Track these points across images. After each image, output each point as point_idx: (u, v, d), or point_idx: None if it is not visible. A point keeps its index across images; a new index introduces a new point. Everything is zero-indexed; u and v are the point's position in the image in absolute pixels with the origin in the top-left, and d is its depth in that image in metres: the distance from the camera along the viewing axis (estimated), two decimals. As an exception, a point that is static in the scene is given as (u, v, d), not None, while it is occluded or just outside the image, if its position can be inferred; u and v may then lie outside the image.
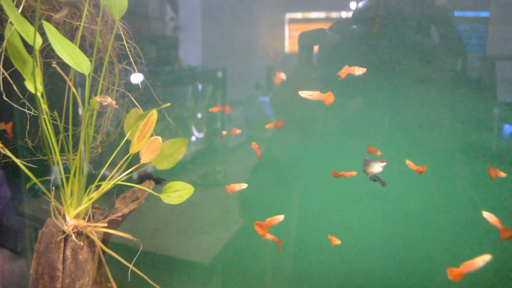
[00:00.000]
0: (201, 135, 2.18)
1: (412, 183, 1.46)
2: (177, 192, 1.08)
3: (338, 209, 1.63)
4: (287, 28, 1.76)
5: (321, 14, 1.66)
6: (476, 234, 1.41)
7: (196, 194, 2.04)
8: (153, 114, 0.98)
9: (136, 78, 1.20)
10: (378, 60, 1.47)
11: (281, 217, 1.03)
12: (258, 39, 1.87)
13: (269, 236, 1.04)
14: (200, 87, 2.16)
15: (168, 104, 1.08)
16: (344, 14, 1.56)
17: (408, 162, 1.10)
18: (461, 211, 1.48)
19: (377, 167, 0.99)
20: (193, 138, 2.17)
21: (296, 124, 1.66)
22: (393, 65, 1.47)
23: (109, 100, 0.92)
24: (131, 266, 1.02)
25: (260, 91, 1.88)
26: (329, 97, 1.02)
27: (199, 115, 2.15)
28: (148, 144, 1.03)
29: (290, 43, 1.75)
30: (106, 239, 1.09)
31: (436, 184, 1.47)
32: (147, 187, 1.10)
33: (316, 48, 1.56)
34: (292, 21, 1.76)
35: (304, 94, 1.04)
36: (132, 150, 1.00)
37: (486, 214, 0.91)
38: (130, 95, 1.09)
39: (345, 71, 1.04)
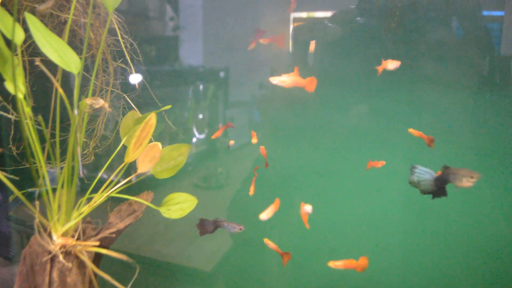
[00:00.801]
0: (202, 136, 2.08)
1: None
2: (179, 205, 0.94)
3: (338, 213, 1.52)
4: (292, 27, 1.64)
5: (327, 14, 1.52)
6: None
7: (198, 197, 1.94)
8: (152, 118, 0.84)
9: (134, 78, 1.08)
10: (388, 57, 1.33)
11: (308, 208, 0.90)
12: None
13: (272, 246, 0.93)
14: (201, 87, 2.05)
15: (169, 107, 0.94)
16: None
17: (411, 130, 0.97)
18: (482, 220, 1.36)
19: (466, 182, 0.83)
20: (194, 140, 2.07)
21: (290, 128, 1.53)
22: (406, 64, 1.33)
23: (101, 102, 0.78)
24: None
25: (264, 91, 1.77)
26: (310, 83, 0.85)
27: (200, 116, 2.05)
28: (146, 152, 0.90)
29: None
30: (98, 256, 0.95)
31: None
32: (144, 199, 0.97)
33: (313, 44, 1.42)
34: (297, 20, 1.63)
35: (277, 80, 0.86)
36: (128, 159, 0.86)
37: None
38: (126, 96, 0.95)
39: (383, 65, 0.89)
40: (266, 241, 0.97)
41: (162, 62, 1.91)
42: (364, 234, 1.49)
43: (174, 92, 2.03)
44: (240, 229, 0.98)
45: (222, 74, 2.02)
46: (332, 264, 0.92)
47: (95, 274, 0.87)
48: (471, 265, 1.39)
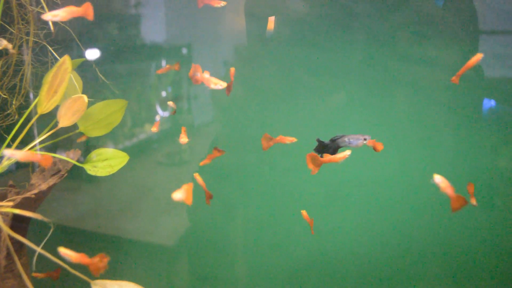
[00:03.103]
0: (166, 114, 1.97)
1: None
2: (107, 162, 0.82)
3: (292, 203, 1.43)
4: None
5: None
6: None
7: (162, 174, 1.82)
8: (65, 61, 0.71)
9: (91, 54, 0.95)
10: (363, 32, 1.20)
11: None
12: (226, 15, 1.64)
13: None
14: (164, 64, 1.93)
15: (83, 60, 0.82)
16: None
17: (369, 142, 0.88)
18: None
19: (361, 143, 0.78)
20: (157, 118, 1.96)
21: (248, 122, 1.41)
22: (385, 44, 1.21)
23: (4, 43, 0.65)
24: (38, 249, 0.76)
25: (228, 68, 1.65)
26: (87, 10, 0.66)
27: (164, 93, 1.93)
28: (70, 104, 0.78)
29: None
30: (22, 221, 0.82)
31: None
32: (70, 158, 0.84)
33: (271, 20, 1.22)
34: None
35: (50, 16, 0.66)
36: (41, 109, 0.74)
37: (437, 178, 0.68)
38: (49, 47, 0.82)
39: None
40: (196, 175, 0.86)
41: (124, 39, 1.79)
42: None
43: (136, 68, 1.91)
44: (365, 139, 0.84)
45: (184, 50, 1.91)
46: None
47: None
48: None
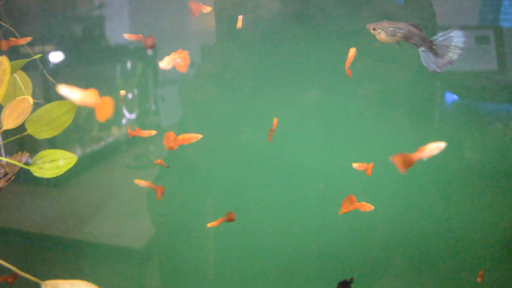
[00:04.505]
0: (132, 116, 1.96)
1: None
2: (54, 163, 0.82)
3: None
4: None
5: None
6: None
7: (130, 177, 1.82)
8: (3, 62, 0.72)
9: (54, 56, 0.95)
10: (337, 34, 1.23)
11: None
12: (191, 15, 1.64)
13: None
14: (129, 65, 1.93)
15: (39, 56, 0.82)
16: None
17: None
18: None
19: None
20: (124, 121, 1.96)
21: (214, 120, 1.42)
22: (351, 41, 1.24)
23: None
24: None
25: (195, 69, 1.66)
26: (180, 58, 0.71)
27: (130, 95, 1.93)
28: (14, 106, 0.78)
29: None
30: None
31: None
32: (18, 160, 0.85)
33: (240, 19, 1.24)
34: None
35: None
36: (-20, 111, 0.74)
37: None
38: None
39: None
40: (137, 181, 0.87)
41: (88, 40, 1.78)
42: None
43: (101, 70, 1.91)
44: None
45: (150, 51, 1.91)
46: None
47: None
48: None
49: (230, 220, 0.91)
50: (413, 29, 0.79)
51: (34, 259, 1.73)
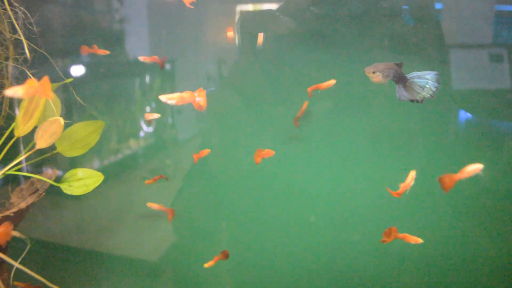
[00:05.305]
0: (150, 129, 2.02)
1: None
2: (82, 181, 0.88)
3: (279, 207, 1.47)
4: (238, 17, 1.57)
5: (273, 6, 1.45)
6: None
7: (146, 190, 1.87)
8: (40, 88, 0.77)
9: (76, 70, 1.01)
10: (346, 51, 1.27)
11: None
12: (208, 30, 1.70)
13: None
14: (148, 79, 1.99)
15: (70, 80, 0.88)
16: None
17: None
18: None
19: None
20: (141, 134, 2.01)
21: (239, 126, 1.47)
22: (363, 56, 1.28)
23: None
24: (16, 264, 0.81)
25: (212, 84, 1.71)
26: (199, 96, 0.77)
27: (148, 109, 1.98)
28: (46, 127, 0.83)
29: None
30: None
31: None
32: (48, 177, 0.90)
33: (261, 36, 1.33)
34: (244, 11, 1.57)
35: (165, 98, 0.78)
36: (18, 133, 0.79)
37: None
38: (27, 70, 0.88)
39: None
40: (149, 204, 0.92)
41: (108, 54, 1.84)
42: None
43: (120, 84, 1.96)
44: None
45: (168, 66, 1.97)
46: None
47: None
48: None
49: (225, 258, 0.95)
50: (399, 69, 0.85)
51: (52, 268, 1.78)
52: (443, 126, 1.40)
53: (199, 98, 0.72)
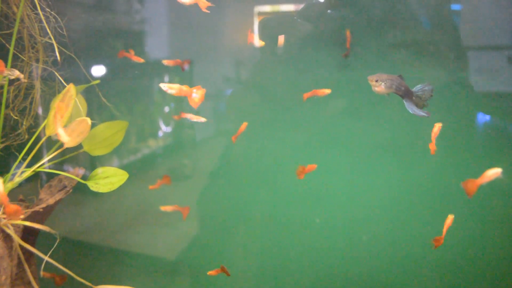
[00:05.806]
0: (168, 129, 2.05)
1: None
2: (107, 179, 0.91)
3: (305, 208, 1.49)
4: (256, 21, 1.60)
5: (291, 7, 1.48)
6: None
7: (164, 189, 1.90)
8: (70, 89, 0.81)
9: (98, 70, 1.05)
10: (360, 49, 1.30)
11: None
12: (226, 32, 1.73)
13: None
14: (166, 80, 2.02)
15: (97, 81, 0.92)
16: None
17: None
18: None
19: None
20: (160, 133, 2.05)
21: (259, 127, 1.50)
22: (378, 60, 1.30)
23: (16, 73, 0.75)
24: (46, 258, 0.85)
25: (230, 84, 1.74)
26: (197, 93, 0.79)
27: (166, 109, 2.02)
28: (74, 126, 0.87)
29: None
30: (32, 233, 0.92)
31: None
32: (76, 175, 0.94)
33: (281, 38, 1.37)
34: (262, 14, 1.60)
35: (165, 86, 0.81)
36: (49, 131, 0.83)
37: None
38: (56, 72, 0.92)
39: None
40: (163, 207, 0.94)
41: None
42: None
43: (139, 84, 2.00)
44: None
45: (187, 67, 1.99)
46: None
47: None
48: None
49: (225, 273, 0.98)
50: (403, 82, 0.87)
51: (72, 264, 1.83)
52: (461, 129, 1.40)
53: (196, 94, 0.75)
